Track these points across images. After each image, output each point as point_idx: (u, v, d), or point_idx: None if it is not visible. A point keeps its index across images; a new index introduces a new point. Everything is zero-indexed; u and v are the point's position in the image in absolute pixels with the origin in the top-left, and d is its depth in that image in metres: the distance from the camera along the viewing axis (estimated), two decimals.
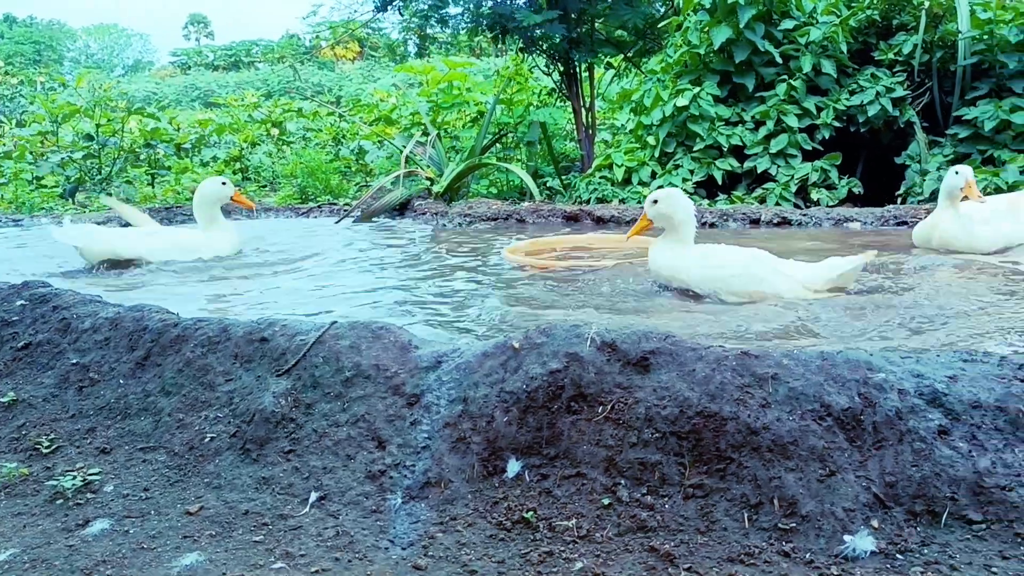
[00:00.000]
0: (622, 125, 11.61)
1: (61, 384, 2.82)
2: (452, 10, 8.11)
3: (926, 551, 1.87)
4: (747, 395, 2.14)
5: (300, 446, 2.35)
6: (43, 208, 7.80)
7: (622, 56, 9.93)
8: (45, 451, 2.53)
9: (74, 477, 2.33)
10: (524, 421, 2.25)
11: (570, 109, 8.84)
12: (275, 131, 11.78)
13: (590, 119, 8.55)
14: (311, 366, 2.51)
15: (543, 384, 2.27)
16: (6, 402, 2.77)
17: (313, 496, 2.21)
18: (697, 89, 6.21)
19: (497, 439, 2.24)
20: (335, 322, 2.65)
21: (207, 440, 2.43)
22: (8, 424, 2.70)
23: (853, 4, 6.46)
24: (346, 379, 2.46)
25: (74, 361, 2.86)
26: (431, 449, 2.28)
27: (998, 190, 5.37)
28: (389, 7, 8.06)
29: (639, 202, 6.14)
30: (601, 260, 4.37)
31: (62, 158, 9.19)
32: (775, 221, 5.21)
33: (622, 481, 2.11)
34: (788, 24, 6.32)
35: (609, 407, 2.22)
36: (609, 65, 9.74)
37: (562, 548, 1.99)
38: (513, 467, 2.21)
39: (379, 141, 10.20)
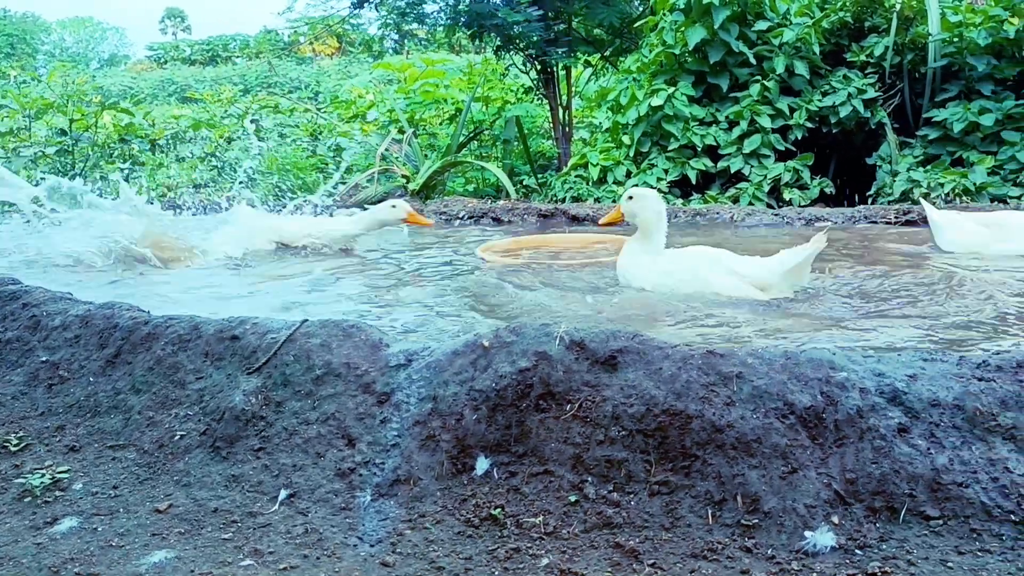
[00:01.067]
0: (599, 123, 11.68)
1: (30, 382, 2.81)
2: (429, 7, 8.13)
3: (884, 546, 1.91)
4: (712, 393, 2.18)
5: (270, 444, 2.36)
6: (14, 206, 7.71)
7: (599, 55, 9.98)
8: (14, 449, 2.52)
9: (43, 475, 2.33)
10: (493, 419, 2.27)
11: (547, 107, 8.87)
12: (252, 125, 11.71)
13: (567, 118, 8.59)
14: (282, 364, 2.52)
15: (512, 382, 2.29)
16: None
17: (283, 494, 2.22)
18: (672, 89, 6.26)
19: (466, 437, 2.26)
20: (306, 320, 2.66)
21: (177, 438, 2.44)
22: None
23: (826, 6, 6.53)
24: (317, 377, 2.47)
25: (44, 359, 2.85)
26: (401, 447, 2.29)
27: (967, 192, 5.46)
28: (366, 4, 8.05)
29: (614, 201, 6.18)
30: (575, 260, 4.39)
31: (35, 153, 9.10)
32: (745, 220, 5.26)
33: (589, 478, 2.14)
34: (762, 25, 6.37)
35: (577, 405, 2.25)
36: (587, 63, 9.78)
37: (529, 545, 2.01)
38: (482, 465, 2.23)
39: (355, 138, 10.18)
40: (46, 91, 11.52)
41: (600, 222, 3.95)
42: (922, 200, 4.50)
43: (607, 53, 9.76)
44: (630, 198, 3.67)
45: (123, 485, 2.32)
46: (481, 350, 2.41)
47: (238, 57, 59.94)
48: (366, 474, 2.26)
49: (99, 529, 2.13)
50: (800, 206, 5.83)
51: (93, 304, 3.02)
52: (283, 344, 2.56)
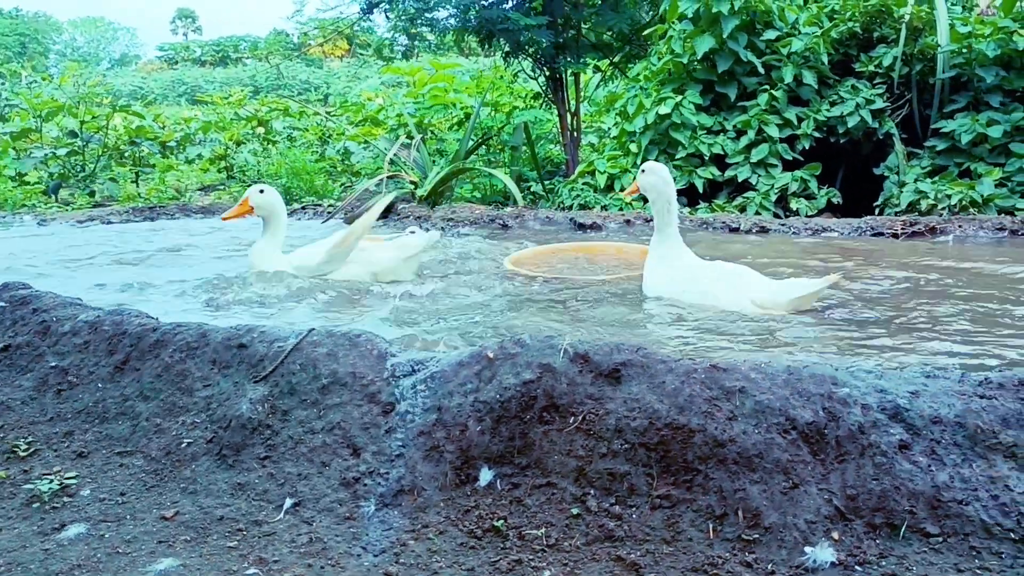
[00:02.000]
0: (608, 129, 11.70)
1: (39, 387, 2.83)
2: (439, 13, 8.15)
3: (884, 563, 1.92)
4: (715, 408, 2.19)
5: (276, 452, 2.38)
6: (25, 205, 7.77)
7: (608, 61, 9.99)
8: (22, 454, 2.55)
9: (51, 481, 2.36)
10: (497, 431, 2.28)
11: (555, 113, 8.89)
12: (261, 129, 11.77)
13: (575, 124, 8.61)
14: (288, 373, 2.55)
15: (516, 394, 2.31)
16: None
17: (288, 502, 2.24)
18: (679, 98, 6.27)
19: (470, 448, 2.28)
20: (312, 329, 2.69)
21: (184, 445, 2.46)
22: None
23: (835, 16, 6.54)
24: (323, 386, 2.49)
25: (53, 364, 2.88)
26: (405, 457, 2.31)
27: (974, 203, 5.45)
28: (376, 8, 8.08)
29: (621, 209, 6.19)
30: (602, 274, 4.34)
31: (46, 154, 9.16)
32: (754, 230, 5.27)
33: (591, 491, 2.16)
34: (771, 35, 6.38)
35: (580, 418, 2.26)
36: (597, 69, 9.80)
37: (531, 556, 2.03)
38: (485, 476, 2.25)
39: (364, 142, 10.22)
40: (57, 92, 11.59)
41: (623, 194, 4.29)
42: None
43: (616, 59, 9.78)
44: (643, 171, 3.86)
45: (130, 492, 2.34)
46: (486, 361, 2.43)
47: (248, 58, 60.21)
48: (371, 484, 2.28)
49: (106, 536, 2.15)
50: (807, 216, 5.83)
51: (102, 310, 3.06)
52: (290, 353, 2.59)
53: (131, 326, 2.89)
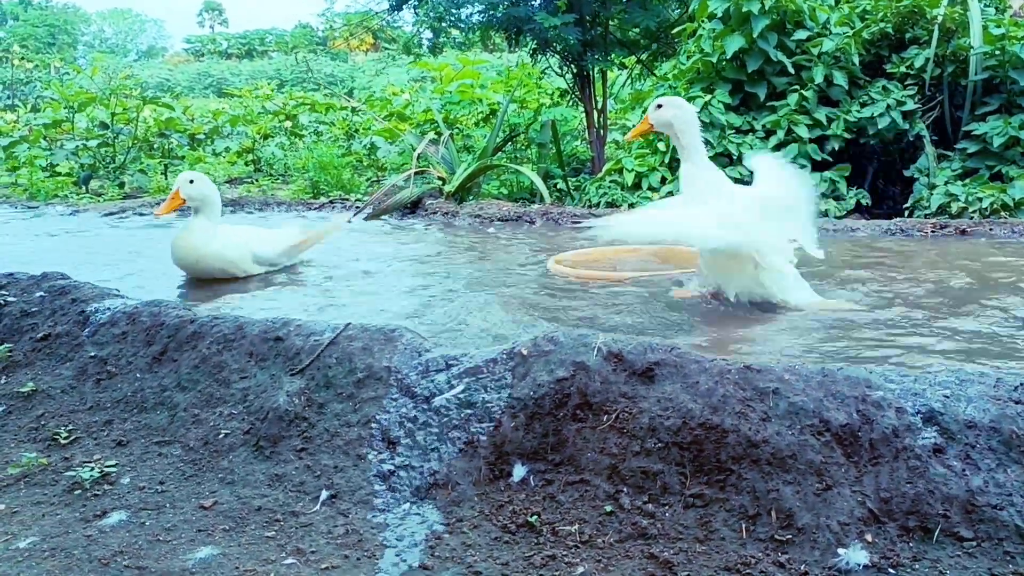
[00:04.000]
0: (633, 126, 11.66)
1: (79, 376, 2.89)
2: (466, 10, 8.16)
3: (917, 566, 1.93)
4: (748, 408, 2.20)
5: (312, 444, 2.42)
6: (57, 196, 7.87)
7: (635, 59, 9.97)
8: (63, 442, 2.60)
9: (92, 469, 2.40)
10: (531, 427, 2.31)
11: (582, 110, 8.89)
12: (288, 123, 11.84)
13: (601, 121, 8.60)
14: (324, 366, 2.58)
15: (550, 391, 2.33)
16: (25, 392, 2.84)
17: (324, 494, 2.27)
18: (709, 97, 6.26)
19: (504, 444, 2.31)
20: (349, 324, 2.72)
21: (221, 436, 2.50)
22: (27, 414, 2.77)
23: (867, 16, 6.50)
24: (358, 380, 2.53)
25: (92, 354, 2.93)
26: (440, 451, 2.34)
27: (1005, 207, 5.42)
28: (404, 6, 8.11)
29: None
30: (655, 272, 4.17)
31: (77, 146, 9.26)
32: None
33: (624, 489, 2.18)
34: (801, 34, 6.35)
35: (614, 416, 2.28)
36: (622, 66, 9.78)
37: (564, 552, 2.05)
38: (519, 472, 2.27)
39: (391, 138, 10.26)
40: (87, 82, 11.71)
41: (627, 137, 4.01)
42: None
43: (643, 57, 9.76)
44: (659, 106, 3.51)
45: (169, 481, 2.39)
46: (519, 358, 2.46)
47: (274, 51, 60.54)
48: (405, 477, 2.31)
49: (147, 523, 2.20)
50: (836, 217, 5.81)
51: (140, 301, 3.10)
52: (327, 347, 2.62)
53: (169, 317, 2.94)
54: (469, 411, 2.39)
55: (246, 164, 11.24)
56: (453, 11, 7.55)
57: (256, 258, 4.32)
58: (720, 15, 6.47)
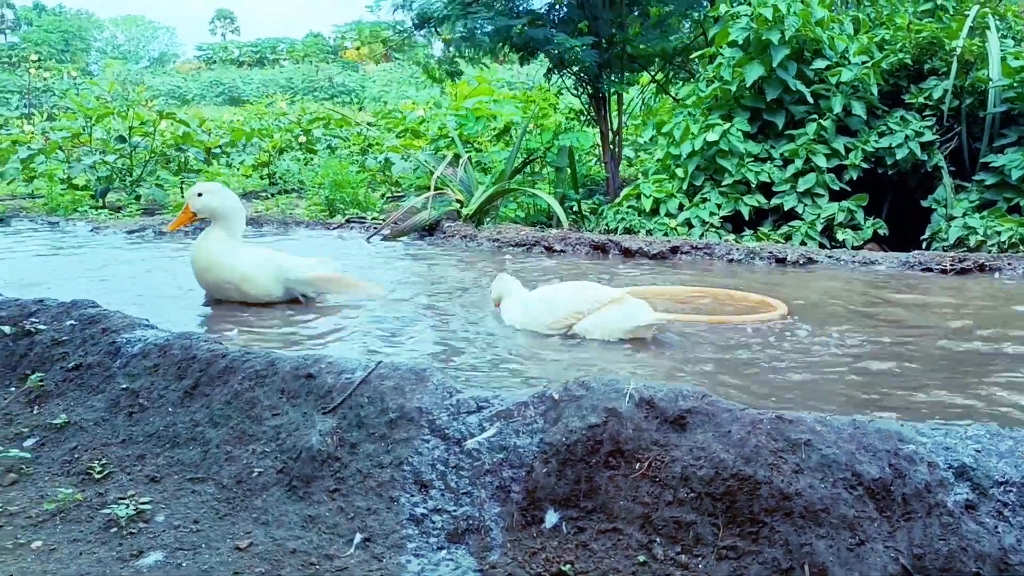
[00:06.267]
0: (645, 143, 11.73)
1: (111, 408, 2.91)
2: (484, 29, 8.20)
3: None
4: (781, 460, 2.22)
5: (345, 486, 2.44)
6: (76, 210, 7.92)
7: (650, 80, 10.02)
8: (97, 476, 2.62)
9: (127, 506, 2.42)
10: (563, 473, 2.33)
11: (597, 131, 8.94)
12: (303, 138, 11.91)
13: (616, 142, 8.65)
14: (356, 406, 2.60)
15: (582, 438, 2.35)
16: (58, 424, 2.87)
17: (358, 537, 2.29)
18: (727, 125, 6.29)
19: (536, 489, 2.33)
20: (380, 362, 2.74)
21: (255, 474, 2.52)
22: (61, 446, 2.80)
23: (885, 46, 6.53)
24: (390, 420, 2.55)
25: (124, 386, 2.96)
26: (472, 495, 2.36)
27: (1023, 240, 5.43)
28: (425, 27, 8.17)
29: (666, 233, 6.22)
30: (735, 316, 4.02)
31: (95, 160, 9.33)
32: (800, 261, 5.28)
33: (657, 539, 2.19)
34: (820, 63, 6.39)
35: (646, 464, 2.30)
36: (635, 83, 9.82)
37: None
38: (551, 518, 2.29)
39: (406, 155, 10.32)
40: (105, 95, 11.79)
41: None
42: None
43: (657, 76, 9.82)
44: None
45: (204, 520, 2.41)
46: (551, 402, 2.48)
47: (285, 60, 60.89)
48: (438, 521, 2.33)
49: (183, 564, 2.22)
50: (853, 247, 5.83)
51: (171, 333, 3.13)
52: (358, 386, 2.64)
53: (200, 351, 2.96)
54: (501, 455, 2.40)
55: (261, 178, 11.32)
56: (477, 33, 7.58)
57: (283, 278, 4.15)
58: (740, 43, 6.50)
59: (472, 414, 2.52)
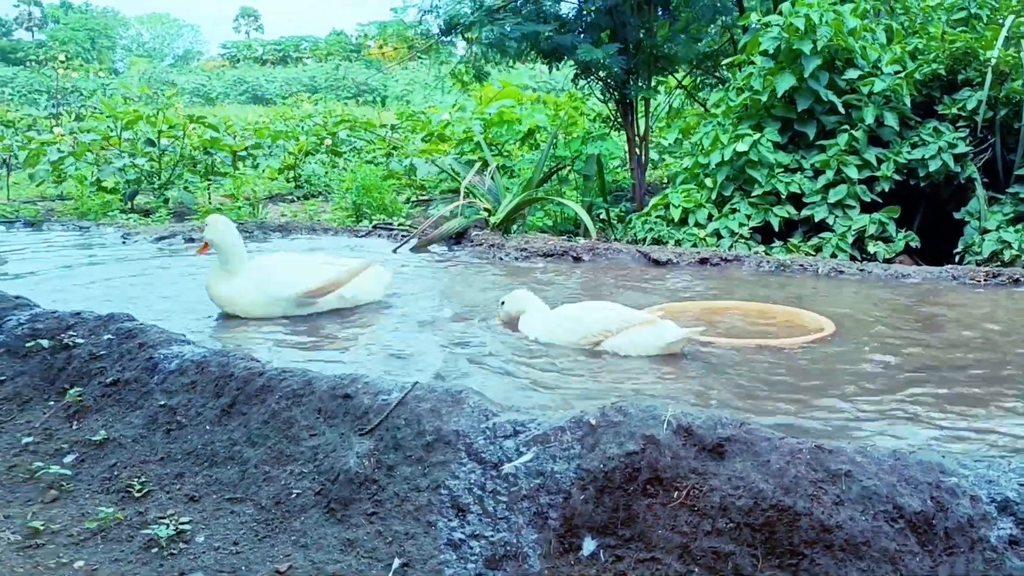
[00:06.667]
0: (669, 144, 11.70)
1: (149, 425, 2.94)
2: (512, 35, 8.19)
3: None
4: (821, 491, 2.20)
5: (383, 509, 2.45)
6: (107, 214, 7.99)
7: (677, 84, 10.00)
8: (137, 494, 2.65)
9: (167, 526, 2.45)
10: (600, 500, 2.32)
11: (623, 137, 8.93)
12: (328, 141, 11.97)
13: (643, 148, 8.62)
14: (393, 427, 2.61)
15: (620, 465, 2.35)
16: (97, 440, 2.90)
17: (396, 562, 2.30)
18: (758, 136, 6.26)
19: (574, 516, 2.33)
20: (416, 383, 2.75)
21: (293, 496, 2.54)
22: (100, 463, 2.83)
23: (918, 55, 6.47)
24: (427, 443, 2.56)
25: (162, 403, 2.98)
26: (509, 521, 2.36)
27: None
28: (452, 32, 8.19)
29: (695, 244, 6.20)
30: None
31: (124, 163, 9.41)
32: (831, 275, 5.24)
33: (696, 569, 2.19)
34: (852, 73, 6.33)
35: (684, 493, 2.29)
36: (664, 87, 9.79)
37: None
38: (589, 546, 2.29)
39: (431, 160, 10.35)
40: (132, 91, 11.89)
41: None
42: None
43: (684, 81, 9.80)
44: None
45: (243, 541, 2.43)
46: (588, 428, 2.47)
47: (308, 58, 61.17)
48: (476, 546, 2.33)
49: None
50: (885, 260, 5.79)
51: (208, 350, 3.16)
52: (395, 407, 2.66)
53: (237, 369, 2.98)
54: (538, 481, 2.41)
55: (287, 181, 11.39)
56: (501, 42, 7.57)
57: (280, 299, 4.23)
58: (771, 52, 6.46)
59: (509, 438, 2.53)
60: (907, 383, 3.29)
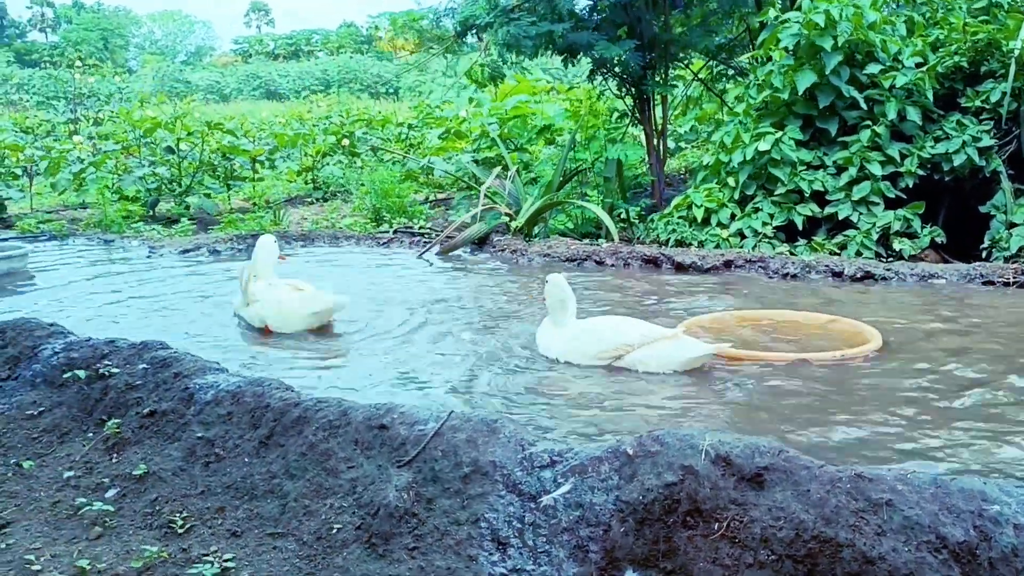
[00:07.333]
0: (684, 132, 11.65)
1: (188, 458, 2.97)
2: (528, 34, 8.15)
3: None
4: (862, 521, 2.20)
5: (423, 543, 2.47)
6: (129, 226, 8.03)
7: (693, 77, 9.93)
8: (179, 531, 2.68)
9: (212, 564, 2.47)
10: (640, 532, 2.33)
11: (642, 135, 8.89)
12: (346, 142, 11.98)
13: (662, 144, 8.59)
14: (430, 459, 2.63)
15: (659, 496, 2.35)
16: (138, 474, 2.93)
17: None
18: (779, 134, 6.21)
19: (614, 549, 2.34)
20: (452, 412, 2.77)
21: (334, 531, 2.56)
22: (142, 497, 2.86)
23: (940, 47, 6.40)
24: (464, 475, 2.57)
25: (199, 435, 3.01)
26: (550, 554, 2.37)
27: None
28: (468, 33, 8.17)
29: (717, 245, 6.18)
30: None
31: (144, 172, 9.47)
32: (858, 275, 5.21)
33: None
34: (873, 68, 6.27)
35: (725, 524, 2.30)
36: (679, 79, 9.74)
37: None
38: None
39: (448, 157, 10.35)
40: (141, 83, 11.92)
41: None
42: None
43: (701, 74, 9.74)
44: (548, 281, 3.98)
45: None
46: (625, 458, 2.48)
47: (320, 52, 61.16)
48: None
49: None
50: (910, 256, 5.75)
51: (243, 379, 3.18)
52: (431, 439, 2.67)
53: (273, 399, 3.01)
54: (577, 513, 2.42)
55: (305, 183, 11.42)
56: (518, 42, 7.54)
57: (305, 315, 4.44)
58: (790, 48, 6.41)
59: (546, 468, 2.54)
60: (945, 400, 3.28)
